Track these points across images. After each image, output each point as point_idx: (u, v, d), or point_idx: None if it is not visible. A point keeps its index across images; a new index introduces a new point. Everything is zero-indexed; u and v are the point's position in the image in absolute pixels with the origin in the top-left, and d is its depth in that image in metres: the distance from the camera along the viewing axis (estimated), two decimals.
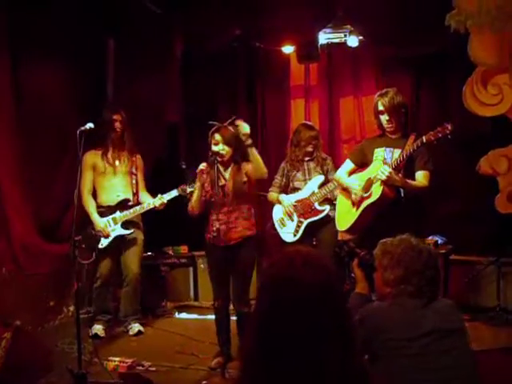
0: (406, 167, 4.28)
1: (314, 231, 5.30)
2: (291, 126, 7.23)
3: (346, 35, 6.65)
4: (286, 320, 1.49)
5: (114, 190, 5.41)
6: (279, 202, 5.41)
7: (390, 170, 4.13)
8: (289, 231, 5.35)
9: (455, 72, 6.00)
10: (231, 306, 4.63)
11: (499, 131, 5.44)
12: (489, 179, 5.25)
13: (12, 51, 5.38)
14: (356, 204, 4.50)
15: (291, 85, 7.38)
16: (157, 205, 5.31)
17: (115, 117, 5.37)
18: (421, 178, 4.30)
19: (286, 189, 5.46)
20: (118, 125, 5.37)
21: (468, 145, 5.61)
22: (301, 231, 5.28)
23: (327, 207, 5.24)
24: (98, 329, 5.36)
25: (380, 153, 4.41)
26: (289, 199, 5.34)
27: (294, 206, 5.31)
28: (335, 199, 5.29)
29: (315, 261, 1.57)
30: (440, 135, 3.95)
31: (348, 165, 4.75)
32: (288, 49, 6.86)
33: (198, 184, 4.50)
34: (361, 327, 2.33)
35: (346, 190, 4.67)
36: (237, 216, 4.46)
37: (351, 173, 4.73)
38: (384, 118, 4.40)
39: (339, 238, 5.40)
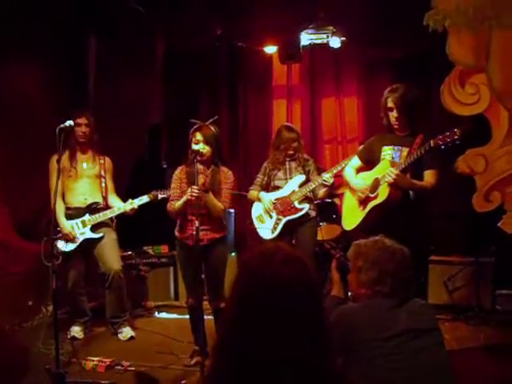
0: (413, 166, 4.19)
1: (293, 230, 5.31)
2: (273, 125, 7.27)
3: (328, 36, 6.68)
4: (261, 316, 1.48)
5: (80, 193, 5.30)
6: (259, 200, 5.43)
7: (397, 172, 4.07)
8: (267, 227, 5.37)
9: (437, 73, 6.04)
10: (205, 306, 4.64)
11: (476, 130, 5.49)
12: (466, 178, 5.30)
13: None
14: (362, 204, 4.46)
15: (273, 85, 7.40)
16: (127, 210, 5.21)
17: (79, 120, 5.19)
18: (428, 177, 4.24)
19: (268, 187, 5.48)
20: (82, 129, 5.21)
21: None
22: (279, 228, 5.30)
23: (306, 206, 5.26)
24: (76, 331, 5.31)
25: (388, 151, 4.37)
26: (269, 197, 5.36)
27: (274, 203, 5.33)
28: (316, 198, 5.33)
29: (295, 259, 1.57)
30: (448, 140, 3.88)
31: (355, 161, 4.71)
32: (270, 49, 6.88)
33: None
34: (334, 329, 2.32)
35: (352, 189, 4.64)
36: (209, 218, 4.44)
37: (358, 170, 4.70)
38: (393, 115, 4.31)
39: (319, 238, 5.42)
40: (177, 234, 4.58)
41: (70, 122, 4.35)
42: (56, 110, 5.75)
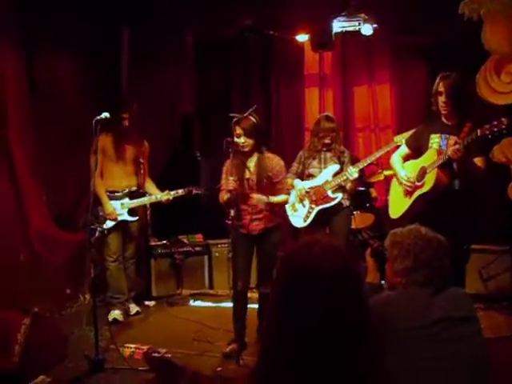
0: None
1: (326, 220, 5.33)
2: (306, 114, 7.27)
3: (360, 23, 6.61)
4: (303, 309, 1.48)
5: (118, 176, 5.56)
6: (292, 187, 5.45)
7: (460, 147, 3.97)
8: (300, 216, 5.40)
9: (470, 61, 5.97)
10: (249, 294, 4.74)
11: None
12: (502, 167, 5.24)
13: (27, 41, 5.42)
14: (409, 192, 4.42)
15: (305, 73, 7.38)
16: (163, 199, 5.51)
17: (125, 115, 5.44)
18: (479, 163, 4.18)
19: (302, 175, 5.51)
20: (126, 122, 5.46)
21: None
22: (311, 217, 5.32)
23: (339, 195, 5.27)
24: (116, 314, 5.48)
25: (436, 139, 4.31)
26: (302, 184, 5.39)
27: (307, 192, 5.35)
28: (349, 188, 5.33)
29: (334, 250, 1.56)
30: (495, 129, 3.83)
31: (403, 149, 4.65)
32: (302, 37, 6.86)
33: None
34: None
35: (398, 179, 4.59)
36: (260, 208, 4.56)
37: (406, 157, 4.63)
38: (441, 99, 4.27)
39: (353, 226, 5.42)
40: (230, 222, 4.60)
41: (105, 114, 4.43)
42: (91, 100, 5.83)
